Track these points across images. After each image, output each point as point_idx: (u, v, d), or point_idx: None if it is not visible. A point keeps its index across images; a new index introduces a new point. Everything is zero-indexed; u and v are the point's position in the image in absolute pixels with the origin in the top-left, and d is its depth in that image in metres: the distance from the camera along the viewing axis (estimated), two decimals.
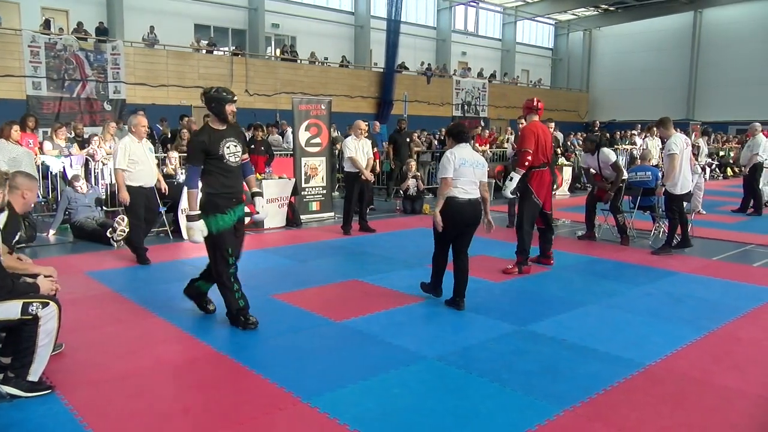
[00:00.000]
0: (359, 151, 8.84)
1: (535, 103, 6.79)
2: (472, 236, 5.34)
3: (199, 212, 4.54)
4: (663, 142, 15.37)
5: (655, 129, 13.36)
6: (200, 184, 4.61)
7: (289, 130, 14.33)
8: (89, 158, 9.71)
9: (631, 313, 5.16)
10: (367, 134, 9.25)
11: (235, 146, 4.65)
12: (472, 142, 14.44)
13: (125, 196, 6.65)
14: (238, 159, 4.67)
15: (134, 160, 6.68)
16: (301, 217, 9.78)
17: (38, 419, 3.18)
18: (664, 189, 7.48)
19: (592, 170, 8.79)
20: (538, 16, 32.84)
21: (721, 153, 19.97)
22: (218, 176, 4.57)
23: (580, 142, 14.40)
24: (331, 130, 12.19)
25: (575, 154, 15.47)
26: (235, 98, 4.65)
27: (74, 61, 16.46)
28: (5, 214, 4.05)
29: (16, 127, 8.11)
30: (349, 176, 8.97)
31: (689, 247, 7.64)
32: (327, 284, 6.09)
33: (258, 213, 5.02)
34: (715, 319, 5.01)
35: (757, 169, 11.24)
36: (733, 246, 8.28)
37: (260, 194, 5.01)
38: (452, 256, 5.34)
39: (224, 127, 4.63)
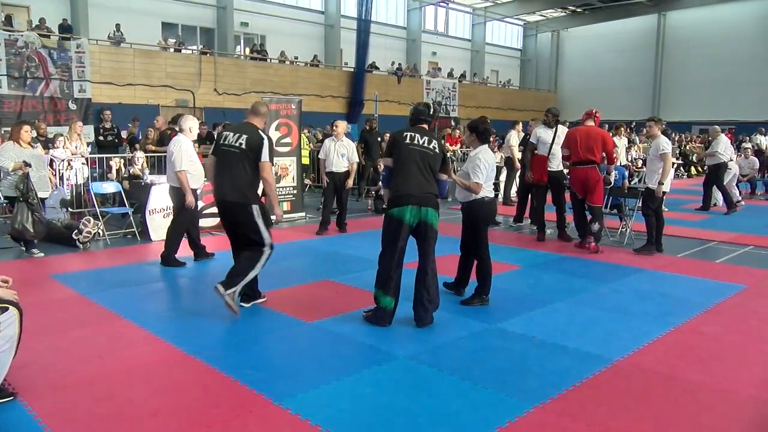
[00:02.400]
0: (332, 152, 8.90)
1: (593, 111, 7.89)
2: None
3: None
4: (630, 141, 15.58)
5: (622, 129, 13.55)
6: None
7: None
8: (54, 159, 9.49)
9: (599, 310, 5.25)
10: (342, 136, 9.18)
11: None
12: (443, 141, 14.53)
13: (191, 200, 6.58)
14: None
15: (193, 161, 6.65)
16: (272, 217, 9.68)
17: (0, 427, 3.09)
18: (647, 188, 7.57)
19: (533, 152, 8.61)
20: (506, 16, 33.17)
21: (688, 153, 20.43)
22: None
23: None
24: (303, 130, 12.14)
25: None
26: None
27: (36, 59, 16.05)
28: (267, 139, 5.02)
29: (26, 128, 7.32)
30: (327, 177, 9.06)
31: (660, 252, 7.64)
32: (298, 285, 6.05)
33: None
34: (680, 314, 5.12)
35: (720, 168, 11.56)
36: (698, 243, 8.48)
37: None
38: (465, 255, 5.60)
39: None
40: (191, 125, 6.74)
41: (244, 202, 4.94)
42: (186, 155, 6.52)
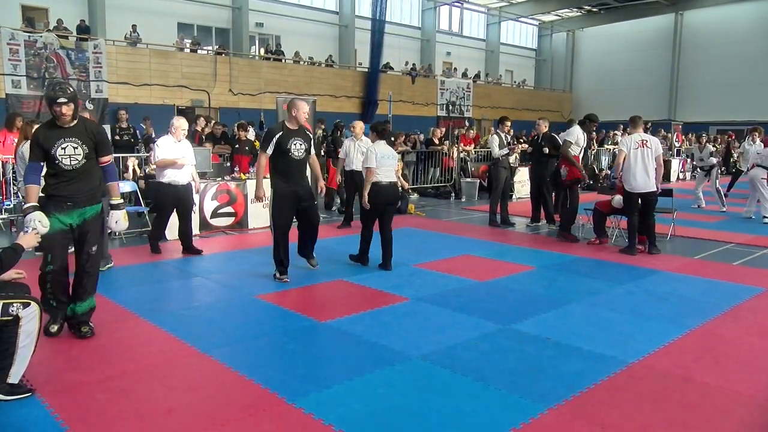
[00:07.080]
0: (352, 151, 9.26)
1: None
2: (393, 213, 6.72)
3: None
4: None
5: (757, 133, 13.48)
6: None
7: (251, 129, 14.14)
8: None
9: (614, 312, 5.21)
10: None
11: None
12: (456, 141, 14.51)
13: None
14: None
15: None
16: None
17: (18, 423, 3.14)
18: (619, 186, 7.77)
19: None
20: (521, 16, 33.04)
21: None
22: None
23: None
24: (317, 128, 12.17)
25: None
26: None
27: (55, 60, 16.25)
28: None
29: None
30: (347, 175, 9.41)
31: (633, 254, 7.45)
32: (312, 284, 6.07)
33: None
34: (696, 317, 5.07)
35: None
36: (715, 245, 8.38)
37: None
38: (379, 232, 6.58)
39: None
40: (177, 127, 7.27)
41: None
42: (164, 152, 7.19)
